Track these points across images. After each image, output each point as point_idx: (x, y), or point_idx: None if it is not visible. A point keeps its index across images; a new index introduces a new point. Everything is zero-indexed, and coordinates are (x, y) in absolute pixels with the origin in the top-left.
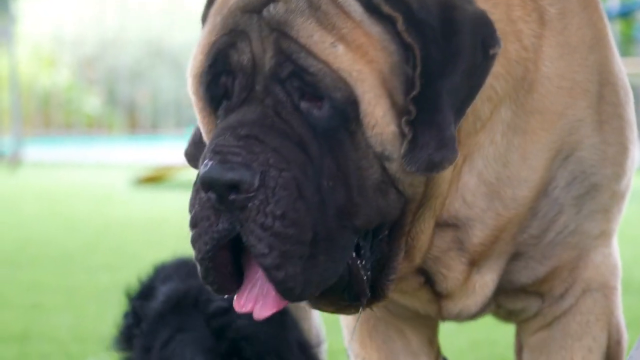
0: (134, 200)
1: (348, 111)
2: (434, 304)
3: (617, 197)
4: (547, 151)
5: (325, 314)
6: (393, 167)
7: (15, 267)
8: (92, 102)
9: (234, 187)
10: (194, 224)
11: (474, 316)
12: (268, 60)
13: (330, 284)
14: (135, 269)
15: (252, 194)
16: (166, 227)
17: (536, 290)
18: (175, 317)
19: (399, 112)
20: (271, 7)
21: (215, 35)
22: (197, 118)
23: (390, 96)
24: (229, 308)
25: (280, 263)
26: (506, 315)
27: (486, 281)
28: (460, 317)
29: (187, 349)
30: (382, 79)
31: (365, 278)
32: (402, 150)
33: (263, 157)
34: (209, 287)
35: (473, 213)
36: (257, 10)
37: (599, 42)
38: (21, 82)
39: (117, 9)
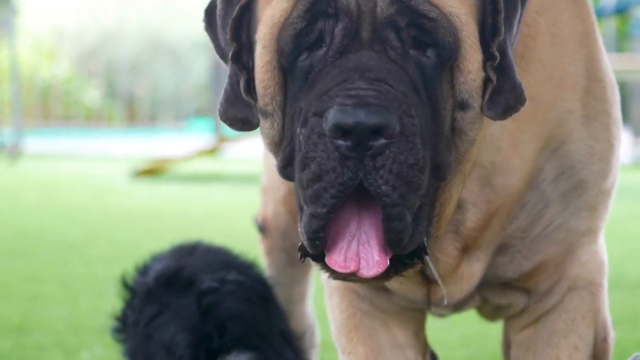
0: (132, 192)
1: (451, 58)
2: (423, 287)
3: (603, 195)
4: (536, 141)
5: (317, 308)
6: (466, 117)
7: (13, 257)
8: (92, 95)
9: (376, 132)
10: (318, 177)
11: (457, 306)
12: (385, 7)
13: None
14: (132, 260)
15: (393, 140)
16: (164, 219)
17: (522, 285)
18: (163, 293)
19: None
20: None
21: None
22: (257, 75)
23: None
24: (218, 288)
25: (403, 214)
26: (494, 311)
27: (473, 270)
28: (442, 304)
29: (171, 327)
30: (476, 23)
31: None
32: (486, 96)
33: (397, 103)
34: (315, 244)
35: (468, 195)
36: None
37: (588, 37)
38: (21, 74)
39: (116, 3)
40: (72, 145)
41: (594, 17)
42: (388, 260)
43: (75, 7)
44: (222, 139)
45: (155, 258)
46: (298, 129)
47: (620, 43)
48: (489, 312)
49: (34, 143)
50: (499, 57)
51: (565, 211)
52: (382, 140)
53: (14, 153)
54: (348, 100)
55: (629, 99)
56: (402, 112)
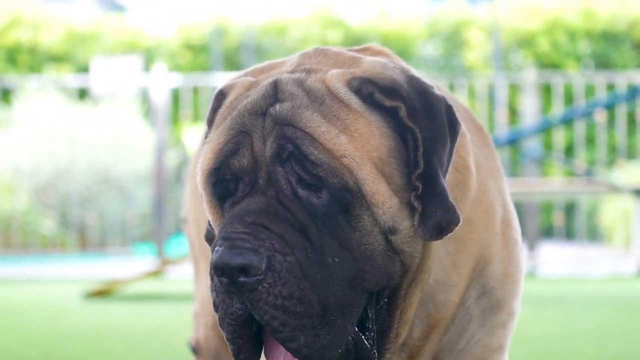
0: (84, 311)
1: (345, 197)
2: None
3: (512, 314)
4: (472, 260)
5: None
6: (398, 238)
7: None
8: (47, 225)
9: (243, 270)
10: (216, 309)
11: None
12: (269, 147)
13: (344, 344)
14: None
15: (261, 277)
16: (113, 337)
17: None
18: None
19: (398, 189)
20: (277, 105)
21: (224, 136)
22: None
23: (388, 177)
24: None
25: (294, 336)
26: None
27: None
28: None
29: None
30: (380, 162)
31: (370, 344)
32: (415, 222)
33: (269, 242)
34: None
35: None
36: (262, 111)
37: (499, 172)
38: None
39: (67, 143)
40: (30, 271)
41: (498, 156)
42: None
43: (31, 148)
44: (165, 262)
45: None
46: None
47: (513, 169)
48: None
49: None
50: (421, 187)
51: (482, 328)
52: (253, 278)
53: None
54: (225, 243)
55: (523, 217)
56: (274, 251)
